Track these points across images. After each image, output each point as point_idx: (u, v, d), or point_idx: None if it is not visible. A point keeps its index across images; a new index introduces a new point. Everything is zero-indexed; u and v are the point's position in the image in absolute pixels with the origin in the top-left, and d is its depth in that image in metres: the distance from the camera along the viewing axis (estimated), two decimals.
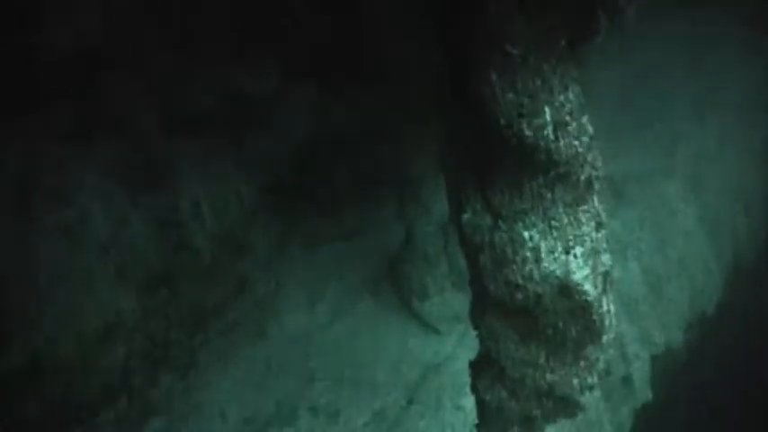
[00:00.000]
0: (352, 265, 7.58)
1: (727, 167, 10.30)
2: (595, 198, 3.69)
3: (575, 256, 3.52)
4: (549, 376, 4.04)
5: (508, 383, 4.10)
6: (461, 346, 6.98)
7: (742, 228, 10.45)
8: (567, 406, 4.18)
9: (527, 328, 3.85)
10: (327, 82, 7.02)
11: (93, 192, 5.88)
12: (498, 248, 3.56)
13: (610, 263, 3.86)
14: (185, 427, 6.45)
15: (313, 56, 6.88)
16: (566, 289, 3.54)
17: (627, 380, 7.75)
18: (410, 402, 6.85)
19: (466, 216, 3.71)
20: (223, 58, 6.38)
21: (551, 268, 3.47)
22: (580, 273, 3.54)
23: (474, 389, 4.32)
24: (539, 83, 3.24)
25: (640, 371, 7.87)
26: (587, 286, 3.60)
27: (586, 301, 3.63)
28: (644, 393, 7.89)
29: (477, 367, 4.27)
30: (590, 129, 3.44)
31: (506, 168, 3.47)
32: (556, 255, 3.48)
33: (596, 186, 3.70)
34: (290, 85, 6.95)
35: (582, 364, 4.07)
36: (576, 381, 4.07)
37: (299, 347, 7.18)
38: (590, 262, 3.61)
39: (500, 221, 3.55)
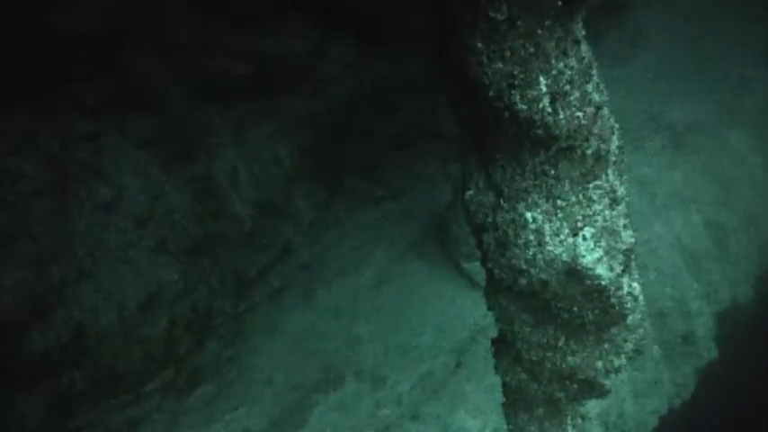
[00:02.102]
0: (399, 226, 7.40)
1: None
2: (610, 172, 3.35)
3: (584, 237, 3.22)
4: (570, 359, 3.80)
5: (527, 365, 3.88)
6: None
7: None
8: (592, 388, 3.92)
9: (541, 310, 3.59)
10: (365, 39, 6.76)
11: (128, 165, 5.90)
12: (501, 230, 3.30)
13: (631, 239, 3.53)
14: (233, 393, 6.52)
15: (349, 13, 6.63)
16: (575, 273, 3.26)
17: (689, 338, 7.34)
18: (458, 366, 6.71)
19: (469, 193, 3.46)
20: (247, 23, 6.21)
21: (557, 252, 3.19)
22: (590, 255, 3.25)
23: (496, 368, 4.12)
24: (531, 49, 2.90)
25: (704, 328, 7.44)
26: (600, 270, 3.30)
27: (600, 284, 3.33)
28: (708, 351, 7.47)
29: (497, 347, 4.06)
30: (596, 97, 3.09)
31: (505, 143, 3.18)
32: (561, 237, 3.19)
33: (611, 158, 3.35)
34: (327, 44, 6.73)
35: (606, 346, 3.80)
36: (600, 363, 3.82)
37: (345, 312, 7.11)
38: (603, 243, 3.31)
39: (502, 200, 3.28)
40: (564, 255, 3.24)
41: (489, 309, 3.91)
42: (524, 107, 2.93)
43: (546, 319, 3.67)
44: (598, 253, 3.30)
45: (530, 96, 2.92)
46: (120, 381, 5.95)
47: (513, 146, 3.20)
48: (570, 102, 3.00)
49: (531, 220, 3.24)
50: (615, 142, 3.36)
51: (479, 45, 2.90)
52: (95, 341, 5.74)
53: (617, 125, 3.42)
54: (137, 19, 5.55)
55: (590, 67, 3.16)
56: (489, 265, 3.51)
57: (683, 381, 7.33)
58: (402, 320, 7.09)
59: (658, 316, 7.25)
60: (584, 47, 3.15)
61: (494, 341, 4.18)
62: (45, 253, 5.47)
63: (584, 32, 3.17)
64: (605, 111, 3.25)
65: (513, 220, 3.29)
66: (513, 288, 3.47)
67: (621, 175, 3.47)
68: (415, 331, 6.99)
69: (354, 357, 6.91)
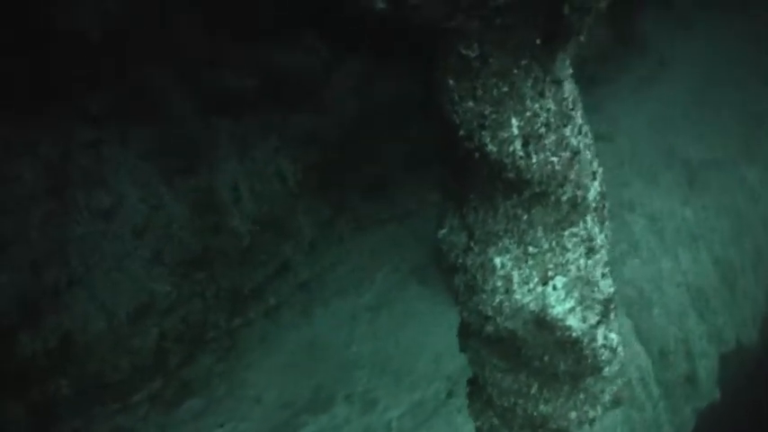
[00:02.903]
0: (402, 250, 7.31)
1: None
2: (588, 219, 3.23)
3: (554, 287, 3.10)
4: (542, 407, 3.68)
5: (498, 411, 3.76)
6: None
7: None
8: None
9: (513, 356, 3.47)
10: (378, 57, 6.70)
11: (127, 174, 5.90)
12: (470, 273, 3.20)
13: (610, 289, 3.41)
14: (222, 409, 6.46)
15: (363, 31, 6.57)
16: (544, 323, 3.15)
17: (691, 379, 7.14)
18: (450, 395, 6.55)
19: (442, 231, 3.36)
20: (262, 37, 6.19)
21: (524, 301, 3.08)
22: (561, 306, 3.13)
23: (469, 411, 4.00)
24: (505, 89, 2.80)
25: (707, 369, 7.23)
26: (571, 321, 3.18)
27: (572, 336, 3.21)
28: (710, 393, 7.26)
29: (470, 389, 3.95)
30: (574, 141, 2.97)
31: (479, 184, 3.08)
32: (530, 286, 3.07)
33: (591, 205, 3.23)
34: (339, 61, 6.68)
35: (581, 396, 3.68)
36: (573, 413, 3.69)
37: (343, 333, 7.03)
38: (575, 293, 3.19)
39: (473, 243, 3.17)
40: (532, 304, 3.12)
41: (461, 351, 3.80)
42: (494, 149, 2.83)
43: (518, 365, 3.56)
44: (570, 303, 3.18)
45: (500, 138, 2.82)
46: (107, 389, 5.94)
47: (486, 187, 3.10)
48: (545, 145, 2.89)
49: (499, 265, 3.13)
50: (596, 188, 3.25)
51: (450, 82, 2.81)
52: (83, 348, 5.74)
53: (600, 169, 3.30)
54: (141, 27, 5.55)
55: (571, 109, 3.05)
56: (459, 308, 3.40)
57: (683, 422, 7.12)
58: (399, 345, 6.98)
59: (660, 355, 7.05)
60: (567, 86, 3.05)
61: (469, 381, 4.08)
62: (39, 258, 5.48)
63: (569, 71, 3.07)
64: (586, 155, 3.14)
65: (482, 264, 3.18)
66: (481, 333, 3.36)
67: (602, 222, 3.34)
68: (411, 357, 6.87)
69: (348, 379, 6.81)
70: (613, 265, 7.19)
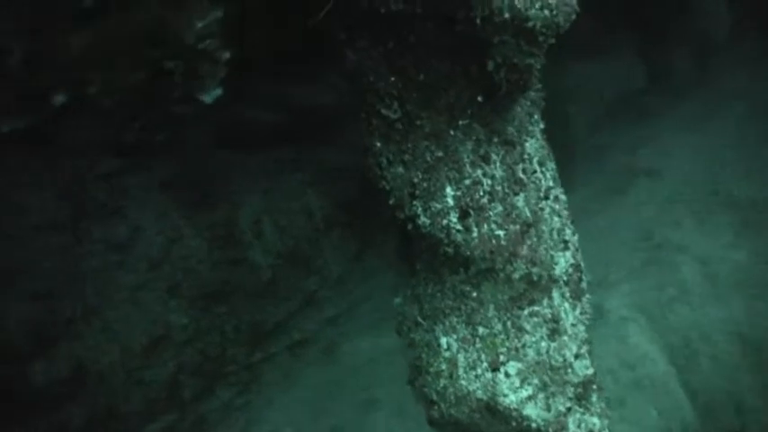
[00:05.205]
0: None
1: None
2: (556, 296, 2.88)
3: (506, 373, 2.77)
4: None
5: None
6: None
7: None
8: None
9: None
10: None
11: (145, 206, 5.87)
12: (417, 350, 2.90)
13: (587, 370, 3.03)
14: None
15: None
16: (496, 412, 2.80)
17: None
18: None
19: (397, 300, 3.07)
20: (288, 71, 6.06)
21: (470, 388, 2.76)
22: (516, 394, 2.79)
23: None
24: (439, 153, 2.49)
25: (758, 426, 6.58)
26: (529, 410, 2.83)
27: (531, 427, 2.85)
28: None
29: None
30: (527, 212, 2.63)
31: (422, 254, 2.78)
32: (478, 371, 2.76)
33: (560, 280, 2.88)
34: None
35: None
36: None
37: (366, 372, 6.80)
38: (534, 379, 2.84)
39: (420, 318, 2.87)
40: (479, 392, 2.79)
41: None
42: (427, 221, 2.53)
43: None
44: (527, 391, 2.83)
45: (433, 209, 2.51)
46: (119, 420, 5.91)
47: (431, 259, 2.79)
48: (489, 217, 2.57)
49: (445, 346, 2.82)
50: (567, 260, 2.88)
51: (378, 145, 2.52)
52: (96, 379, 5.71)
53: (575, 237, 2.93)
54: None
55: (533, 173, 2.70)
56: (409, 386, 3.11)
57: None
58: None
59: (706, 409, 6.48)
60: (529, 146, 2.70)
61: None
62: (52, 288, 5.50)
63: (536, 127, 2.72)
64: (551, 224, 2.77)
65: (428, 343, 2.88)
66: (430, 419, 3.05)
67: (577, 297, 2.96)
68: None
69: (367, 421, 6.59)
70: (659, 310, 6.73)
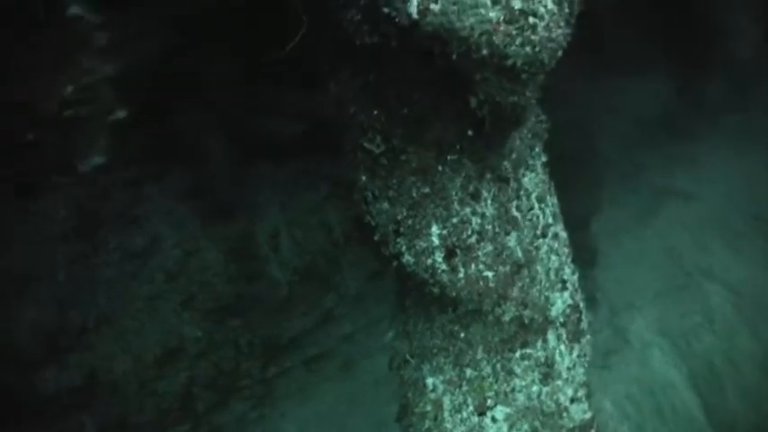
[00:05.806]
0: None
1: None
2: (551, 338, 2.75)
3: (493, 418, 2.65)
4: None
5: None
6: None
7: None
8: None
9: None
10: None
11: (163, 217, 5.87)
12: (404, 388, 2.79)
13: (585, 415, 2.90)
14: None
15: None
16: None
17: None
18: None
19: (389, 334, 2.97)
20: (310, 84, 6.00)
21: (454, 431, 2.63)
22: None
23: None
24: (425, 190, 2.38)
25: None
26: None
27: None
28: None
29: None
30: (519, 252, 2.51)
31: (413, 293, 2.68)
32: (463, 415, 2.64)
33: (556, 322, 2.75)
34: None
35: None
36: None
37: (384, 388, 6.65)
38: (524, 425, 2.72)
39: (409, 355, 2.77)
40: None
41: None
42: (411, 260, 2.44)
43: None
44: None
45: (418, 248, 2.41)
46: (131, 430, 5.91)
47: (421, 297, 2.69)
48: (477, 258, 2.45)
49: (431, 387, 2.72)
50: (565, 301, 2.75)
51: (363, 179, 2.44)
52: (108, 388, 5.72)
53: (575, 276, 2.80)
54: (183, 69, 5.50)
55: (529, 209, 2.57)
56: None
57: None
58: None
59: None
60: (527, 180, 2.58)
61: None
62: (66, 296, 5.52)
63: (530, 162, 2.59)
64: (547, 263, 2.65)
65: (415, 382, 2.78)
66: None
67: (577, 339, 2.83)
68: None
69: None
70: (684, 336, 6.51)
